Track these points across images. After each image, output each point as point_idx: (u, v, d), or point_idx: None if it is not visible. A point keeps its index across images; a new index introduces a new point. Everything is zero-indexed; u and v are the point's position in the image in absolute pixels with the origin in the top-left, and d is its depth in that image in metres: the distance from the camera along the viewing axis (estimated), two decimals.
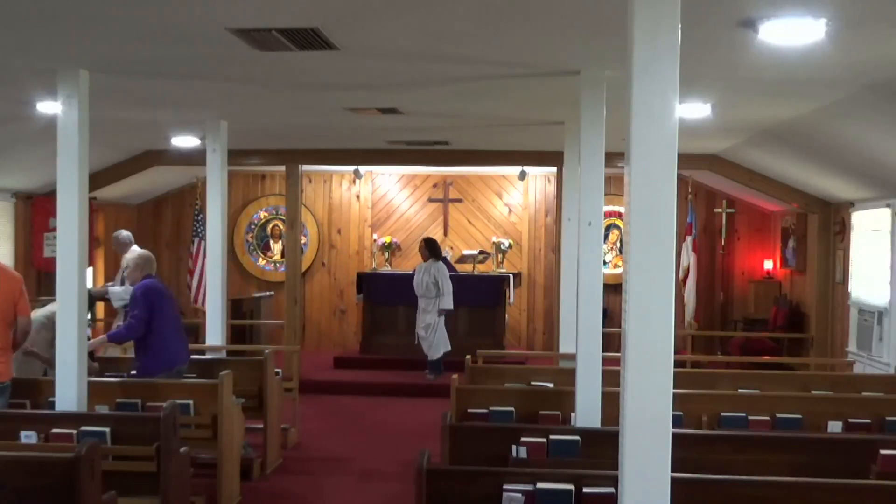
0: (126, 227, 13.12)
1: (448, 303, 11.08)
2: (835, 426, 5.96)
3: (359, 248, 13.88)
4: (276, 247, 13.95)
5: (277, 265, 13.82)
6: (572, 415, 5.79)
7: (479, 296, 12.08)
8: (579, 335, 5.71)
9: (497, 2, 4.20)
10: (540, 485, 4.00)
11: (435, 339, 11.12)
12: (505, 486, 4.01)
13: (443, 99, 7.09)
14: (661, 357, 3.25)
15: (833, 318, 10.62)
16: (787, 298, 12.05)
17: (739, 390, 6.64)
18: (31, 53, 5.36)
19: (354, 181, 13.68)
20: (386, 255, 13.27)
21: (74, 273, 5.65)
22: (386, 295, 12.20)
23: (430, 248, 11.24)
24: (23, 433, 5.20)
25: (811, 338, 10.91)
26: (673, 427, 3.28)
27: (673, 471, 3.27)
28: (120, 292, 8.23)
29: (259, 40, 4.89)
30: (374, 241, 13.38)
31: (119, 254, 9.89)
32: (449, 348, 11.19)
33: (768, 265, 12.98)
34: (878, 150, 7.63)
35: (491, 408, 6.12)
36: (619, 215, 13.01)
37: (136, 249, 8.23)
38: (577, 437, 4.95)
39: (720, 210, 13.10)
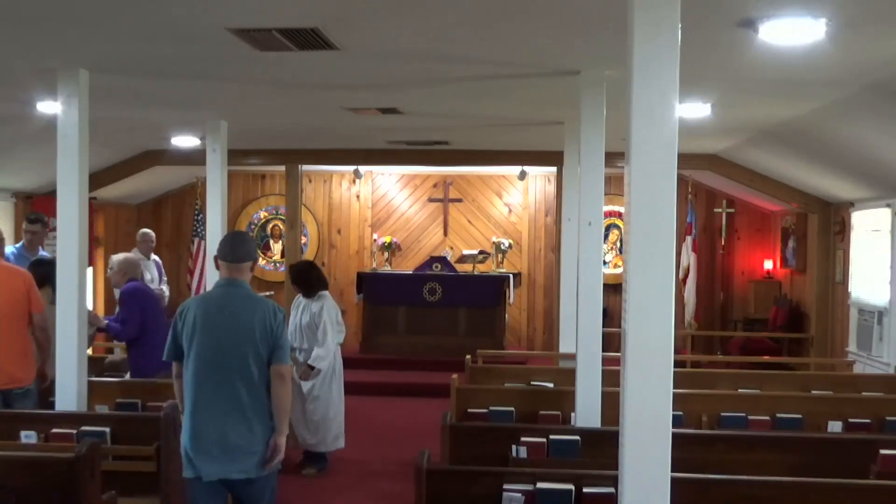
0: (126, 228, 13.17)
1: (325, 355, 7.06)
2: (835, 426, 5.97)
3: (359, 248, 13.87)
4: (276, 247, 13.94)
5: (277, 265, 13.81)
6: (572, 415, 5.79)
7: (479, 296, 12.09)
8: (579, 335, 5.71)
9: (497, 2, 4.20)
10: (540, 485, 4.00)
11: (331, 413, 7.21)
12: (505, 486, 4.01)
13: (443, 99, 7.09)
14: (661, 357, 3.24)
15: (833, 318, 10.61)
16: (787, 298, 12.05)
17: (739, 390, 6.64)
18: (31, 53, 5.36)
19: (354, 181, 13.67)
20: (386, 255, 13.26)
21: (74, 273, 5.64)
22: (386, 295, 12.21)
23: (310, 280, 7.41)
24: (23, 433, 5.19)
25: (811, 338, 10.91)
26: (673, 427, 3.27)
27: (673, 471, 3.27)
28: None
29: (259, 40, 4.89)
30: (374, 241, 13.37)
31: (144, 253, 9.95)
32: (342, 433, 7.37)
33: (768, 265, 12.98)
34: (878, 150, 7.63)
35: (491, 408, 6.13)
36: (619, 215, 13.00)
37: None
38: (577, 437, 4.95)
39: (720, 210, 13.09)
